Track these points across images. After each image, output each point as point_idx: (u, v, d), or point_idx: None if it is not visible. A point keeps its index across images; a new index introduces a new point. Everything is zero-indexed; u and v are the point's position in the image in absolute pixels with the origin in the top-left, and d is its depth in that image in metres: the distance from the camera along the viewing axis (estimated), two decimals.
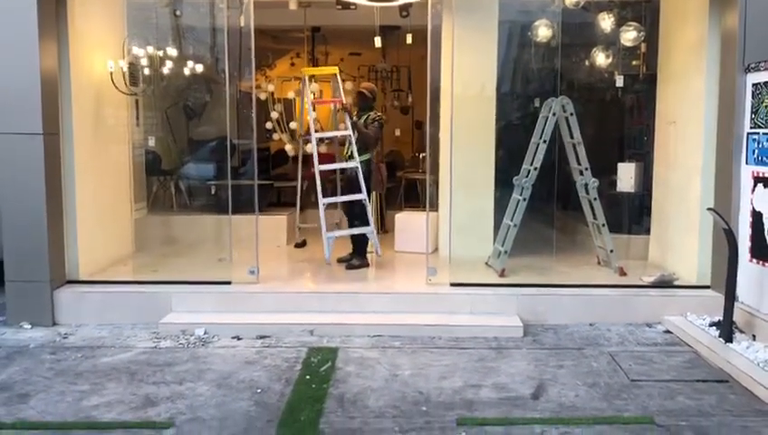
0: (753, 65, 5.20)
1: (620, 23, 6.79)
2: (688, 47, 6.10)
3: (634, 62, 7.42)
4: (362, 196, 6.39)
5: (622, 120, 8.24)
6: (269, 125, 9.01)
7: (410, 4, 7.33)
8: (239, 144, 8.34)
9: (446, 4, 6.13)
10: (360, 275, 6.39)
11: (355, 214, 6.62)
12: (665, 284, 5.86)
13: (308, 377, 4.39)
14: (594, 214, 6.34)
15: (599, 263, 6.62)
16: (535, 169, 6.15)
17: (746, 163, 5.29)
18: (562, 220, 7.33)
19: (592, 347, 4.98)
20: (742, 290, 5.16)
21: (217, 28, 7.44)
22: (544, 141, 6.15)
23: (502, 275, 6.08)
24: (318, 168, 6.43)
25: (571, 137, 6.28)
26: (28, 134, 5.35)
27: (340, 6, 7.36)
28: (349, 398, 4.06)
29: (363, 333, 5.19)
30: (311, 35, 10.05)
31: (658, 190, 6.73)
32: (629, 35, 6.74)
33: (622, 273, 6.18)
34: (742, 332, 5.06)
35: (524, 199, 6.15)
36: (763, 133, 5.09)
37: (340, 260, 6.69)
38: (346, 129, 6.69)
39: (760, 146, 5.12)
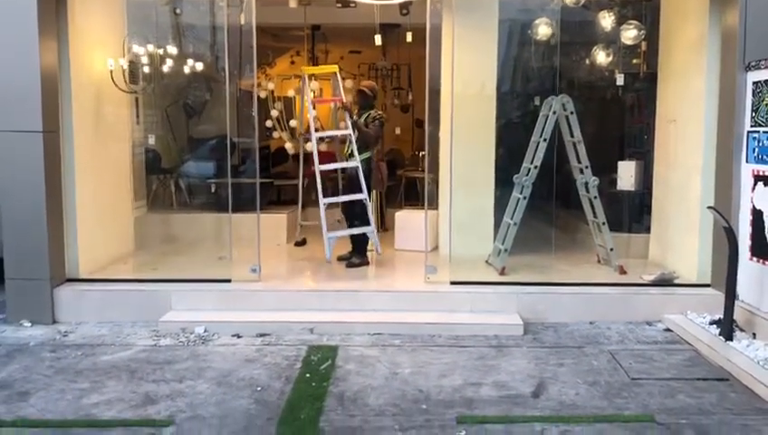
0: (753, 63, 5.20)
1: (621, 21, 6.80)
2: (689, 45, 6.10)
3: (634, 61, 7.42)
4: (363, 196, 6.39)
5: (622, 119, 8.24)
6: (269, 123, 9.01)
7: (410, 2, 7.33)
8: (239, 142, 8.33)
9: (446, 3, 6.11)
10: (360, 274, 6.38)
11: (355, 213, 6.60)
12: (665, 282, 5.86)
13: (308, 375, 4.38)
14: (594, 212, 6.33)
15: (599, 261, 6.62)
16: (535, 167, 6.15)
17: (746, 161, 5.28)
18: (563, 219, 7.32)
19: (593, 345, 4.98)
20: (742, 288, 5.16)
21: (217, 26, 7.44)
22: (544, 140, 6.15)
23: (502, 273, 6.08)
24: (318, 167, 6.43)
25: (572, 135, 6.28)
26: (28, 132, 5.34)
27: (340, 4, 7.37)
28: (349, 396, 4.06)
29: (363, 331, 5.18)
30: (311, 33, 10.02)
31: (659, 189, 6.73)
32: (630, 34, 6.75)
33: (622, 271, 6.18)
34: (742, 330, 5.06)
35: (525, 198, 6.14)
36: (764, 132, 5.08)
37: (340, 258, 6.67)
38: (346, 127, 6.68)
39: (760, 144, 5.12)
